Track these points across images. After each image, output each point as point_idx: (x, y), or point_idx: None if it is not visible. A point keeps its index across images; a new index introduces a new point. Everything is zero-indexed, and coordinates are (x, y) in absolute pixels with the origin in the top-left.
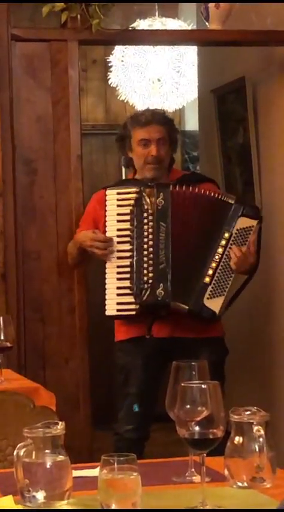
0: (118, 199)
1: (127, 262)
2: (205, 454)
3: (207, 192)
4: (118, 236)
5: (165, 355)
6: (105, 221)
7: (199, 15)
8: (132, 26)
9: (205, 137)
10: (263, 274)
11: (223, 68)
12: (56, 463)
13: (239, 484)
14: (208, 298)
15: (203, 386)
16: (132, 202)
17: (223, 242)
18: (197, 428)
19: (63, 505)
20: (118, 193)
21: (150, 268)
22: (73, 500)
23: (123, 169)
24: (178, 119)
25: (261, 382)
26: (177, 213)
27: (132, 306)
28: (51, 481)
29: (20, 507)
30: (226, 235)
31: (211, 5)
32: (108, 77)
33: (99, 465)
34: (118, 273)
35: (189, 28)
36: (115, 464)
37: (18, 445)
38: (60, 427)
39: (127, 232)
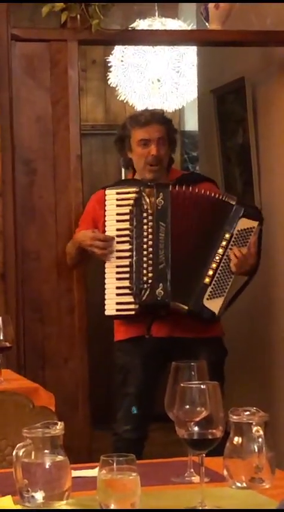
0: (117, 199)
1: (126, 262)
2: (204, 455)
3: (207, 192)
4: (117, 236)
5: (164, 355)
6: (105, 221)
7: (199, 15)
8: (131, 26)
9: (204, 137)
10: (263, 274)
11: (223, 68)
12: (55, 463)
13: (238, 484)
14: (207, 299)
15: (202, 386)
16: (131, 202)
17: (224, 243)
18: (196, 428)
19: (62, 505)
20: (118, 193)
21: (150, 268)
22: (72, 501)
23: (123, 170)
24: (177, 119)
25: (260, 382)
26: (177, 213)
27: (132, 306)
28: (50, 481)
29: (19, 507)
30: (227, 236)
31: (211, 5)
32: (108, 77)
33: (98, 465)
34: (118, 272)
35: (189, 28)
36: (115, 464)
37: (18, 445)
38: (59, 427)
39: (127, 232)
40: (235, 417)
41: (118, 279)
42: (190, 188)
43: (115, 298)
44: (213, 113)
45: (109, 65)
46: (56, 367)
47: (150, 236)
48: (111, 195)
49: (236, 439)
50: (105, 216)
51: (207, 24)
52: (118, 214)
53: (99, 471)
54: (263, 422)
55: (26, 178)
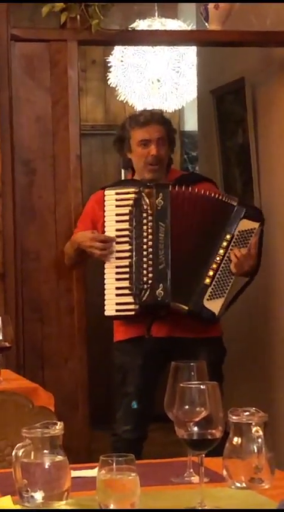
0: (117, 200)
1: (126, 262)
2: (203, 455)
3: (207, 193)
4: (117, 236)
5: (164, 354)
6: (104, 221)
7: (199, 15)
8: (131, 26)
9: (204, 137)
10: (262, 274)
11: (223, 68)
12: (54, 463)
13: (238, 484)
14: (208, 299)
15: (202, 387)
16: (130, 202)
17: (224, 243)
18: (196, 428)
19: (61, 505)
20: (117, 194)
21: (150, 269)
22: (71, 501)
23: (122, 170)
24: (177, 119)
25: (260, 382)
26: (177, 213)
27: (132, 306)
28: (50, 481)
29: (18, 507)
30: (228, 236)
31: (211, 6)
32: (108, 77)
33: (98, 465)
34: (118, 273)
35: (189, 28)
36: (114, 464)
37: (17, 445)
38: (58, 428)
39: (126, 233)
40: (234, 417)
41: (118, 279)
42: (190, 188)
43: (115, 299)
44: (212, 113)
45: (109, 65)
46: (55, 367)
47: (150, 236)
48: (110, 195)
49: (236, 440)
50: (104, 216)
51: (206, 24)
52: (117, 214)
53: (98, 471)
54: (262, 423)
55: (26, 178)
